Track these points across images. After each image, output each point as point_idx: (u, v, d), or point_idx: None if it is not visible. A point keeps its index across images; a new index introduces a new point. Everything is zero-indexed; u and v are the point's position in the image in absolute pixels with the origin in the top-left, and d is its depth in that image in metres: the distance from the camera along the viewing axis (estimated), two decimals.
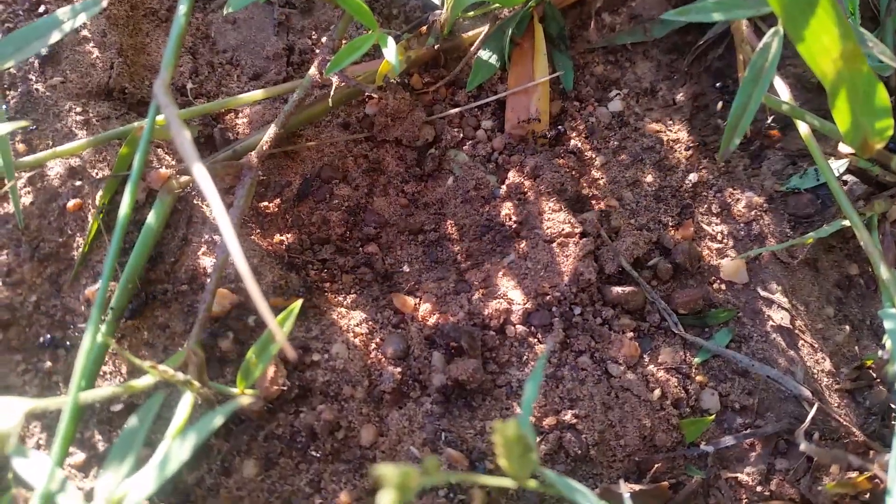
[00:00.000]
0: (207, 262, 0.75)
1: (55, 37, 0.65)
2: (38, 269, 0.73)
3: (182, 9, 0.60)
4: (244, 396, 0.63)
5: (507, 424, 0.48)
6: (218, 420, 0.50)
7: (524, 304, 0.79)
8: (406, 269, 0.83)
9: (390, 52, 0.72)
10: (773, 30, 0.68)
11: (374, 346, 0.77)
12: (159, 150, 0.80)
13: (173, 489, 0.69)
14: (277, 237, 0.82)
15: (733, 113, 0.70)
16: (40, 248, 0.73)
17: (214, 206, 0.50)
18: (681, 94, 0.94)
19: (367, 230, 0.84)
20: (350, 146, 0.86)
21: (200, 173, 0.53)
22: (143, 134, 0.57)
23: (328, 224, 0.83)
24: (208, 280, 0.75)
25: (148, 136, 0.57)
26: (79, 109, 0.78)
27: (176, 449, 0.50)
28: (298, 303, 0.65)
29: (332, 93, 0.78)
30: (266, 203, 0.83)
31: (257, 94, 0.80)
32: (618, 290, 0.80)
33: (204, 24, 0.89)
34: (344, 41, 0.79)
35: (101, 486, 0.51)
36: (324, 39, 0.89)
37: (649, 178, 0.88)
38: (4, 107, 0.76)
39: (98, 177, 0.76)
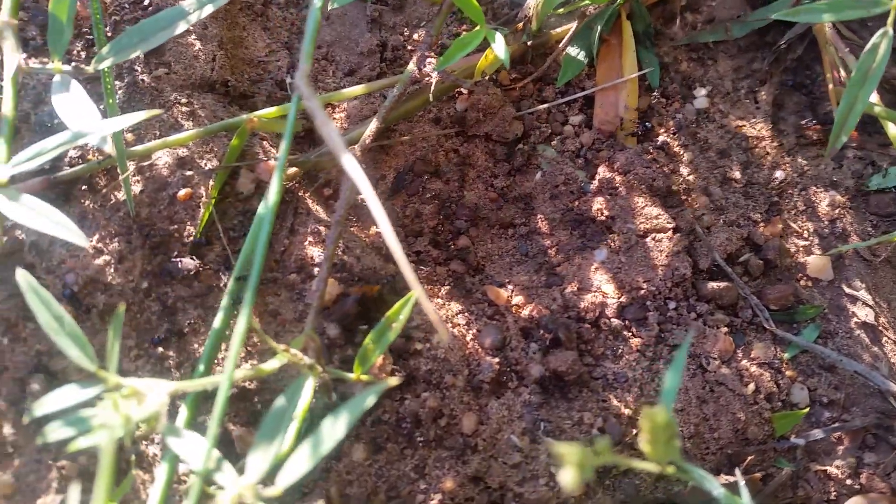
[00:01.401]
0: (315, 251, 0.77)
1: (181, 27, 0.67)
2: (149, 257, 0.74)
3: (317, 2, 0.61)
4: (384, 381, 0.65)
5: (655, 410, 0.49)
6: (371, 399, 0.52)
7: (618, 297, 0.80)
8: (497, 261, 0.85)
9: (500, 47, 0.73)
10: (881, 31, 0.69)
11: (470, 336, 0.79)
12: (264, 142, 0.82)
13: None
14: (373, 229, 0.83)
15: (840, 112, 0.71)
16: (151, 235, 0.75)
17: (366, 194, 0.52)
18: (762, 92, 0.95)
19: (458, 223, 0.86)
20: (441, 141, 0.87)
21: (349, 163, 0.54)
22: (287, 122, 0.58)
23: (421, 217, 0.85)
24: (317, 269, 0.77)
25: (291, 127, 0.58)
26: (184, 101, 0.80)
27: (329, 428, 0.52)
28: (416, 291, 0.67)
29: (432, 88, 0.80)
30: (362, 196, 0.84)
31: (359, 89, 0.81)
32: (713, 285, 0.81)
33: (299, 19, 0.90)
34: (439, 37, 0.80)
35: (253, 465, 0.52)
36: (416, 36, 0.91)
37: (737, 175, 0.89)
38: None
39: (206, 168, 0.77)
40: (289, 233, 0.78)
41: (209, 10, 0.66)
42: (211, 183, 0.77)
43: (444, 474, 0.73)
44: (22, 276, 0.54)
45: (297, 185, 0.80)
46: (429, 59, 0.80)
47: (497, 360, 0.77)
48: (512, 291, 0.82)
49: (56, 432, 0.53)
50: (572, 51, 0.90)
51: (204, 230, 0.76)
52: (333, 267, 0.76)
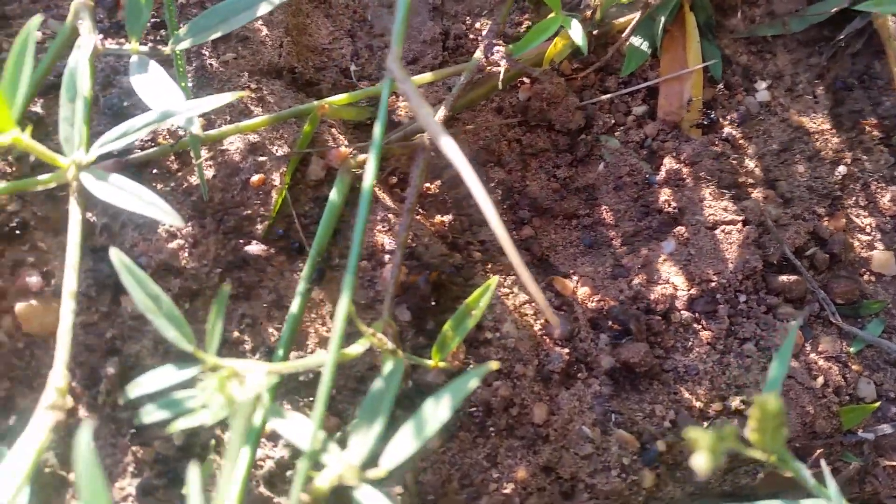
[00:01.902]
0: (385, 239, 0.76)
1: (262, 9, 0.66)
2: (223, 241, 0.74)
3: None
4: (484, 365, 0.64)
5: (766, 398, 0.49)
6: (473, 382, 0.51)
7: (688, 290, 0.80)
8: (561, 252, 0.84)
9: (577, 34, 0.73)
10: None
11: (538, 327, 0.78)
12: (332, 129, 0.81)
13: None
14: (438, 217, 0.83)
15: None
16: (224, 220, 0.74)
17: (466, 175, 0.51)
18: (820, 87, 0.94)
19: (521, 213, 0.85)
20: (504, 130, 0.87)
21: (448, 145, 0.54)
22: (381, 104, 0.58)
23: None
24: (387, 256, 0.76)
25: (384, 110, 0.58)
26: (253, 86, 0.79)
27: (431, 411, 0.51)
28: (495, 279, 0.66)
29: (501, 75, 0.79)
30: (427, 184, 0.84)
31: (427, 76, 0.81)
32: (783, 278, 0.81)
33: (360, 7, 0.90)
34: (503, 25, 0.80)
35: (355, 447, 0.52)
36: (477, 25, 0.90)
37: (800, 169, 0.88)
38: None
39: (277, 153, 0.77)
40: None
41: None
42: (283, 169, 0.76)
43: (516, 464, 0.73)
44: (116, 255, 0.54)
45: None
46: (496, 48, 0.80)
47: (566, 350, 0.77)
48: (577, 282, 0.82)
49: (152, 414, 0.53)
50: (635, 41, 0.90)
51: (277, 215, 0.75)
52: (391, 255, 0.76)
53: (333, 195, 0.75)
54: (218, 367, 0.53)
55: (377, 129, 0.57)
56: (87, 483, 0.37)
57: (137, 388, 0.53)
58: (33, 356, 0.70)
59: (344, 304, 0.53)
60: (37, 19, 0.51)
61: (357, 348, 0.65)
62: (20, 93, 0.52)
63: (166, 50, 0.68)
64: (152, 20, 0.81)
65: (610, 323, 0.79)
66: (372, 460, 0.52)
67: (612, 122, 0.89)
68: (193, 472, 0.41)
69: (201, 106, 0.59)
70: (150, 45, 0.68)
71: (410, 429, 0.52)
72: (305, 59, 0.86)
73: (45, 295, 0.71)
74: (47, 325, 0.70)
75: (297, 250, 0.75)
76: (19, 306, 0.70)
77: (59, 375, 0.55)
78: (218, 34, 0.66)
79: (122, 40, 0.80)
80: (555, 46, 0.81)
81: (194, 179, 0.75)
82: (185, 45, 0.67)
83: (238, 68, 0.80)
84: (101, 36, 0.78)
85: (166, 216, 0.55)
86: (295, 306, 0.70)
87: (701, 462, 0.41)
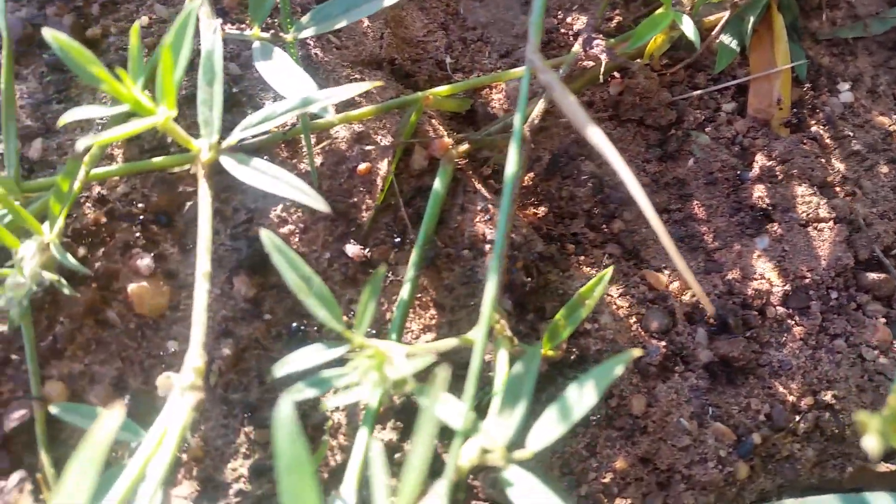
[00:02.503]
0: (484, 229, 0.77)
1: (388, 1, 0.67)
2: (331, 228, 0.75)
3: None
4: (628, 351, 0.65)
5: None
6: (619, 369, 0.52)
7: (783, 286, 0.81)
8: (652, 246, 0.85)
9: (689, 29, 0.74)
10: None
11: (634, 319, 0.79)
12: (432, 120, 0.82)
13: None
14: (531, 210, 0.84)
15: None
16: (332, 207, 0.75)
17: (615, 162, 0.52)
18: None
19: (612, 207, 0.86)
20: (595, 124, 0.88)
21: (596, 136, 0.55)
22: (521, 93, 0.59)
23: (575, 199, 0.85)
24: (487, 246, 0.77)
25: (524, 100, 0.59)
26: (356, 77, 0.80)
27: (575, 396, 0.52)
28: (609, 270, 0.67)
29: (602, 68, 0.80)
30: (529, 176, 0.85)
31: (517, 71, 0.81)
32: (873, 276, 0.82)
33: (453, 0, 0.91)
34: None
35: (498, 430, 0.53)
36: (568, 19, 0.91)
37: (885, 170, 0.89)
38: None
39: (381, 143, 0.78)
40: (460, 210, 0.78)
41: None
42: (388, 158, 0.77)
43: (615, 454, 0.74)
44: (267, 237, 0.55)
45: (463, 163, 0.80)
46: (596, 41, 0.81)
47: (663, 343, 0.78)
48: (669, 276, 0.83)
49: (302, 392, 0.54)
50: (725, 39, 0.91)
51: (381, 203, 0.76)
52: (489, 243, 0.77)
53: (437, 184, 0.76)
54: (364, 347, 0.54)
55: (517, 120, 0.58)
56: (289, 455, 0.38)
57: (286, 366, 0.54)
58: (144, 336, 0.71)
59: (491, 289, 0.54)
60: (196, 3, 0.52)
61: (477, 334, 0.66)
62: (177, 74, 0.53)
63: (288, 37, 0.69)
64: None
65: (706, 317, 0.80)
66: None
67: (703, 118, 0.90)
68: (375, 449, 0.42)
69: (339, 94, 0.60)
70: (271, 32, 0.69)
71: (554, 413, 0.53)
72: (402, 51, 0.86)
73: (156, 277, 0.72)
74: (158, 306, 0.71)
75: (399, 237, 0.76)
76: (131, 287, 0.71)
77: (196, 356, 0.56)
78: (343, 23, 0.67)
79: (229, 26, 0.81)
80: (654, 41, 0.82)
81: (303, 166, 0.76)
82: (308, 32, 0.68)
83: (342, 59, 0.81)
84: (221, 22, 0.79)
85: (311, 200, 0.56)
86: (405, 292, 0.71)
87: (871, 444, 0.42)
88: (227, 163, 0.58)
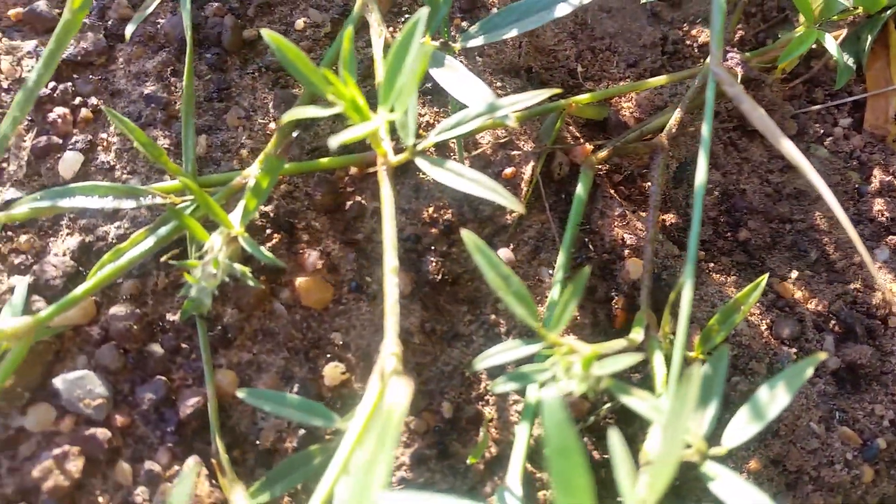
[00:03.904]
0: (622, 234, 0.80)
1: (561, 10, 0.70)
2: (478, 230, 0.78)
3: None
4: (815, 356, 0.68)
5: None
6: (809, 371, 0.55)
7: None
8: (776, 255, 0.88)
9: (831, 46, 0.76)
10: None
11: (765, 326, 0.82)
12: (570, 127, 0.85)
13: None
14: (661, 216, 0.86)
15: None
16: (480, 210, 0.78)
17: (809, 174, 0.55)
18: None
19: (737, 216, 0.89)
20: (720, 134, 0.90)
21: (788, 147, 0.57)
22: (707, 104, 0.61)
23: (703, 207, 0.88)
24: (626, 251, 0.80)
25: (710, 110, 0.61)
26: (498, 84, 0.83)
27: (767, 396, 0.55)
28: (765, 277, 0.70)
29: (738, 80, 0.83)
30: (649, 183, 0.87)
31: (661, 79, 0.84)
32: None
33: (581, 10, 0.93)
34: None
35: (694, 426, 0.55)
36: (693, 31, 0.94)
37: None
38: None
39: (524, 148, 0.80)
40: (600, 215, 0.81)
41: None
42: (531, 163, 0.80)
43: (749, 455, 0.76)
44: (468, 237, 0.57)
45: (601, 170, 0.83)
46: (731, 54, 0.83)
47: (794, 350, 0.80)
48: (794, 285, 0.85)
49: (503, 385, 0.57)
50: (843, 56, 0.93)
51: (528, 206, 0.79)
52: (635, 250, 0.80)
53: (579, 189, 0.79)
54: (558, 344, 0.57)
55: (705, 129, 0.61)
56: (559, 441, 0.40)
57: (486, 360, 0.57)
58: (309, 328, 0.74)
59: (688, 292, 0.57)
60: (424, 11, 0.55)
61: (638, 336, 0.68)
62: (401, 80, 0.55)
63: (457, 46, 0.72)
64: (405, 15, 0.85)
65: (833, 325, 0.82)
66: None
67: (821, 132, 0.92)
68: (614, 436, 0.45)
69: (522, 101, 0.63)
70: (441, 40, 0.72)
71: (746, 413, 0.56)
72: (536, 59, 0.89)
73: (320, 271, 0.75)
74: (322, 299, 0.74)
75: (541, 240, 0.79)
76: (299, 280, 0.74)
77: (392, 343, 0.59)
78: (513, 33, 0.70)
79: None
80: (785, 55, 0.85)
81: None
82: (476, 42, 0.71)
83: (484, 66, 0.84)
84: (391, 29, 0.82)
85: (506, 201, 0.59)
86: (556, 293, 0.74)
87: None
88: (423, 164, 0.61)
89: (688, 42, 0.93)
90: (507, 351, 0.58)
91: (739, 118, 0.91)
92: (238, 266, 0.65)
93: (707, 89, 0.63)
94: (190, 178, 0.71)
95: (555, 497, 0.42)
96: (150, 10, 0.65)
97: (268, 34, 0.57)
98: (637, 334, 0.69)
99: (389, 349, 0.58)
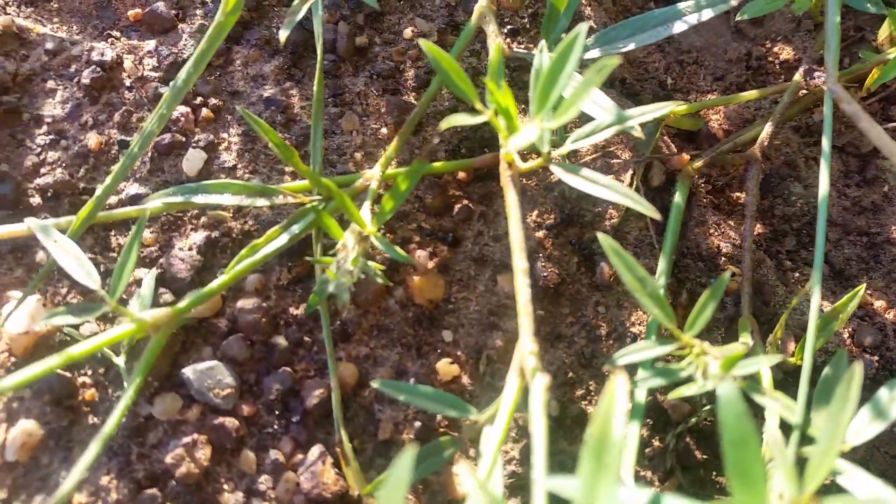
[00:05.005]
0: (720, 242, 0.83)
1: (676, 28, 0.73)
2: (579, 235, 0.81)
3: (833, 10, 0.67)
4: None
5: None
6: None
7: None
8: (854, 266, 0.91)
9: None
10: None
11: (847, 334, 0.85)
12: (664, 137, 0.88)
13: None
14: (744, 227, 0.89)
15: None
16: (580, 215, 0.81)
17: None
18: None
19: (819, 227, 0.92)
20: (801, 148, 0.94)
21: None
22: (825, 118, 0.64)
23: (786, 219, 0.91)
24: (722, 259, 0.83)
25: (829, 123, 0.64)
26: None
27: (886, 397, 0.58)
28: (861, 288, 0.73)
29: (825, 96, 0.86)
30: (737, 194, 0.90)
31: (753, 93, 0.87)
32: None
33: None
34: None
35: (825, 429, 0.58)
36: (775, 48, 0.97)
37: None
38: None
39: (621, 157, 0.83)
40: (696, 223, 0.84)
41: (707, 14, 0.73)
42: (630, 172, 0.83)
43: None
44: (604, 239, 0.60)
45: (698, 181, 0.86)
46: (817, 73, 0.87)
47: (876, 358, 0.83)
48: (873, 295, 0.88)
49: (650, 380, 0.60)
50: None
51: (625, 213, 0.82)
52: (730, 258, 0.82)
53: (678, 198, 0.82)
54: (690, 345, 0.60)
55: (825, 142, 0.64)
56: (736, 431, 0.43)
57: (625, 356, 0.60)
58: (421, 325, 0.77)
59: (816, 300, 0.60)
60: (583, 27, 0.58)
61: (749, 340, 0.71)
62: (555, 94, 0.58)
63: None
64: (508, 27, 0.88)
65: None
66: None
67: None
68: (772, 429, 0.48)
69: (649, 113, 0.66)
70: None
71: (868, 413, 0.59)
72: (628, 71, 0.92)
73: (432, 271, 0.78)
74: (434, 298, 0.77)
75: (639, 246, 0.82)
76: (414, 279, 0.77)
77: (529, 341, 0.61)
78: (630, 47, 0.73)
79: (516, 44, 0.87)
80: (872, 76, 0.88)
81: (555, 177, 0.81)
82: (592, 54, 0.74)
83: None
84: (508, 40, 0.86)
85: (642, 207, 0.62)
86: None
87: None
88: (558, 171, 0.64)
89: (770, 58, 0.96)
90: (643, 350, 0.61)
91: (820, 133, 0.94)
92: (372, 263, 0.67)
93: (825, 106, 0.66)
94: (326, 181, 0.73)
95: (730, 486, 0.44)
96: (301, 14, 0.68)
97: (424, 44, 0.60)
98: (746, 338, 0.71)
99: (528, 347, 0.61)
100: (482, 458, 0.60)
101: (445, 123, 0.59)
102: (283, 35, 0.68)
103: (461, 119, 0.60)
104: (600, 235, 0.61)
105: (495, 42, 0.76)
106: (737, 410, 0.44)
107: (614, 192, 0.63)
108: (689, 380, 0.60)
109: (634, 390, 0.72)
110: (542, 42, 0.69)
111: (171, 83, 0.65)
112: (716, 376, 0.57)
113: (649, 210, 0.62)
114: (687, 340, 0.60)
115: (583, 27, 0.57)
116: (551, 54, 0.59)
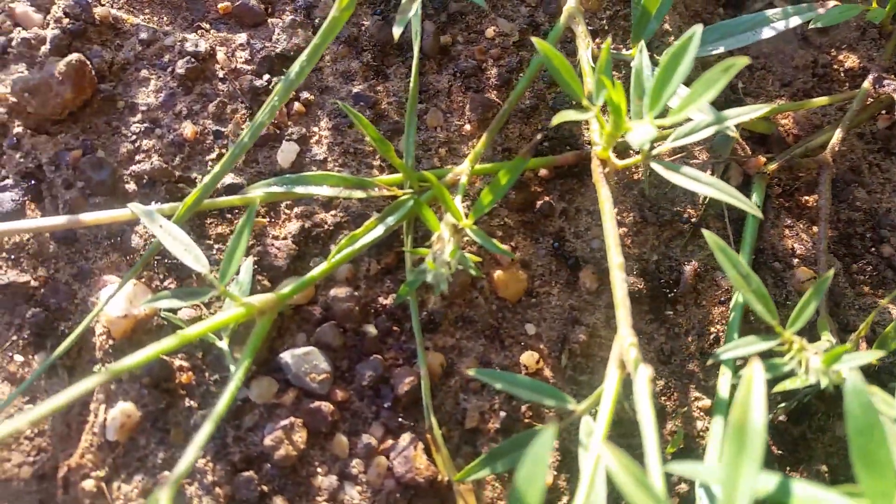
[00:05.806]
0: (794, 244, 0.85)
1: (765, 34, 0.75)
2: (657, 233, 0.83)
3: None
4: None
5: None
6: None
7: None
8: None
9: None
10: None
11: None
12: (739, 140, 0.90)
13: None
14: (814, 229, 0.91)
15: None
16: (660, 214, 0.83)
17: None
18: None
19: (882, 233, 0.94)
20: (865, 154, 0.96)
21: None
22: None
23: (851, 223, 0.93)
24: (795, 260, 0.85)
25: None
26: None
27: None
28: None
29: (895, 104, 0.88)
30: (806, 197, 0.92)
31: (824, 99, 0.89)
32: None
33: None
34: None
35: None
36: (840, 56, 0.99)
37: None
38: None
39: (700, 158, 0.85)
40: (771, 225, 0.86)
41: (795, 21, 0.74)
42: (708, 173, 0.85)
43: None
44: (710, 237, 0.62)
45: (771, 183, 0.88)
46: (886, 80, 0.89)
47: None
48: None
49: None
50: None
51: (705, 212, 0.84)
52: (803, 259, 0.84)
53: (754, 198, 0.84)
54: (790, 342, 0.62)
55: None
56: (861, 419, 0.45)
57: (727, 352, 0.62)
58: (504, 318, 0.78)
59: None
60: (698, 28, 0.59)
61: (825, 344, 0.73)
62: (669, 90, 0.60)
63: (662, 59, 0.77)
64: (588, 28, 0.89)
65: None
66: None
67: None
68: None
69: (746, 114, 0.68)
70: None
71: None
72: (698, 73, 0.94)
73: (514, 265, 0.79)
74: (517, 292, 0.79)
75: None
76: (497, 273, 0.78)
77: (628, 333, 0.63)
78: (719, 50, 0.75)
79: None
80: None
81: (638, 176, 0.83)
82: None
83: None
84: (597, 41, 0.87)
85: (743, 204, 0.63)
86: (740, 297, 0.79)
87: None
88: (658, 168, 0.66)
89: (835, 66, 0.98)
90: (746, 345, 0.62)
91: (884, 140, 0.96)
92: (468, 255, 0.69)
93: None
94: (427, 173, 0.75)
95: (857, 473, 0.46)
96: (412, 12, 0.70)
97: (538, 42, 0.62)
98: (828, 336, 0.73)
99: (628, 340, 0.63)
100: (587, 448, 0.62)
101: (557, 119, 0.61)
102: (396, 32, 0.70)
103: (570, 115, 0.62)
104: (706, 232, 0.63)
105: (585, 41, 0.78)
106: (863, 400, 0.46)
107: (718, 189, 0.65)
108: (791, 374, 0.61)
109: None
110: (642, 42, 0.71)
111: (284, 75, 0.67)
112: (818, 370, 0.59)
113: (752, 209, 0.64)
114: (788, 336, 0.62)
115: (698, 28, 0.59)
116: (652, 55, 0.61)
